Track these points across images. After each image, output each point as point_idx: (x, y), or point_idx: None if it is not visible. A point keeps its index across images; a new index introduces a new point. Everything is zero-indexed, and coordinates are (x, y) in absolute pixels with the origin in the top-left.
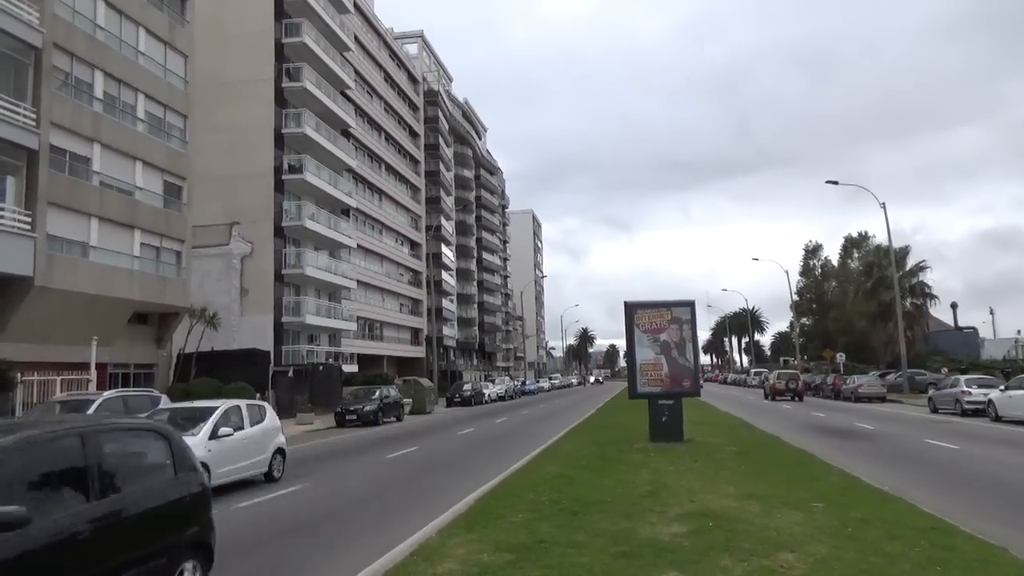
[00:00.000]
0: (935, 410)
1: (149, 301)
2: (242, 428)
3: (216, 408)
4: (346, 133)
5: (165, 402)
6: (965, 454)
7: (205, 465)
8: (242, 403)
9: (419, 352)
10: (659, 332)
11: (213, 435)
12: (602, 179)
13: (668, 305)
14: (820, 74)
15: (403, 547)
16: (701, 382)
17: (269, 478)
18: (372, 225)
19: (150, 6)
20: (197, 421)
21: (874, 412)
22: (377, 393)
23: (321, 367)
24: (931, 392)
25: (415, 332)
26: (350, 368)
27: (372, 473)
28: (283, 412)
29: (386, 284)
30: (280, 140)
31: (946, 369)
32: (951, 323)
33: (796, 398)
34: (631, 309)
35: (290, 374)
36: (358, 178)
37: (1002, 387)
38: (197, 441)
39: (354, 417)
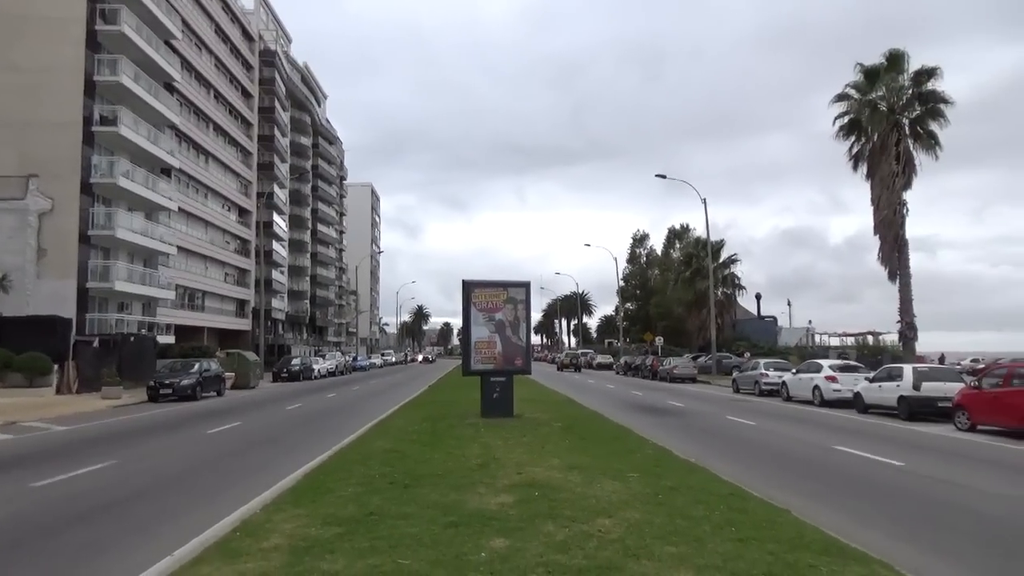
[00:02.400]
0: (738, 390)
1: None
2: None
3: None
4: (170, 87)
5: None
6: (760, 429)
7: None
8: None
9: (244, 325)
10: (495, 311)
11: None
12: (440, 157)
13: (504, 285)
14: (651, 72)
15: (225, 523)
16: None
17: None
18: (197, 188)
19: None
20: None
21: (686, 391)
22: (196, 366)
23: (132, 338)
24: (735, 374)
25: (241, 303)
26: (166, 340)
27: (190, 449)
28: (87, 385)
29: (210, 252)
30: (91, 88)
31: (748, 354)
32: (755, 312)
33: (577, 370)
34: (468, 287)
35: (95, 344)
36: (182, 136)
37: (794, 371)
38: None
39: (169, 391)
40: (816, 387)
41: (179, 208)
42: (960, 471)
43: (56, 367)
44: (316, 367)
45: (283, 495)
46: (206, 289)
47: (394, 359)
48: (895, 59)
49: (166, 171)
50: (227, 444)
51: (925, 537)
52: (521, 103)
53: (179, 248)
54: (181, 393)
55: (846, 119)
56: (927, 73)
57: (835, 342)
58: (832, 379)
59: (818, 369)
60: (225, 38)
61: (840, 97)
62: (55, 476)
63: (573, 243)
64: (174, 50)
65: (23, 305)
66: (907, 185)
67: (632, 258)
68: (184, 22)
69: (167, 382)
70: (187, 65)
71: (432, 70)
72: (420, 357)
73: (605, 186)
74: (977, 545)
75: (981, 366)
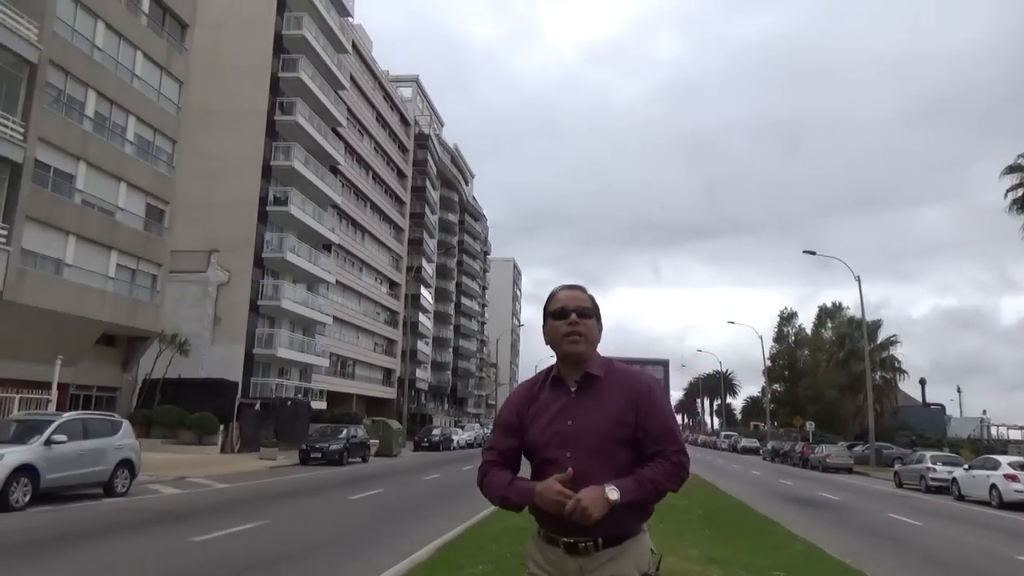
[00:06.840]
0: (900, 485)
1: (119, 323)
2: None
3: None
4: (334, 169)
5: (126, 428)
6: (927, 531)
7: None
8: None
9: (390, 393)
10: None
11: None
12: (575, 234)
13: (642, 362)
14: (789, 147)
15: None
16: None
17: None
18: (353, 262)
19: (150, 31)
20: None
21: (840, 483)
22: (344, 432)
23: (289, 402)
24: (897, 467)
25: (387, 372)
26: (319, 405)
27: (333, 514)
28: (247, 445)
29: (362, 322)
30: (268, 171)
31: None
32: (919, 399)
33: None
34: None
35: (257, 407)
36: (342, 214)
37: (966, 466)
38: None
39: (319, 455)
40: (993, 486)
41: (336, 281)
42: None
43: (221, 427)
44: (455, 438)
45: (416, 568)
46: (357, 358)
47: None
48: None
49: (327, 246)
50: (367, 511)
51: None
52: (655, 180)
53: (334, 318)
54: (330, 457)
55: (1020, 192)
56: None
57: (1015, 435)
58: (1013, 478)
59: (996, 466)
60: (384, 124)
61: (1012, 168)
62: (212, 532)
63: (713, 319)
64: (339, 136)
65: (197, 368)
66: None
67: (779, 337)
68: (349, 110)
69: (317, 446)
70: (350, 149)
71: (566, 151)
72: None
73: (744, 261)
74: None
75: None
